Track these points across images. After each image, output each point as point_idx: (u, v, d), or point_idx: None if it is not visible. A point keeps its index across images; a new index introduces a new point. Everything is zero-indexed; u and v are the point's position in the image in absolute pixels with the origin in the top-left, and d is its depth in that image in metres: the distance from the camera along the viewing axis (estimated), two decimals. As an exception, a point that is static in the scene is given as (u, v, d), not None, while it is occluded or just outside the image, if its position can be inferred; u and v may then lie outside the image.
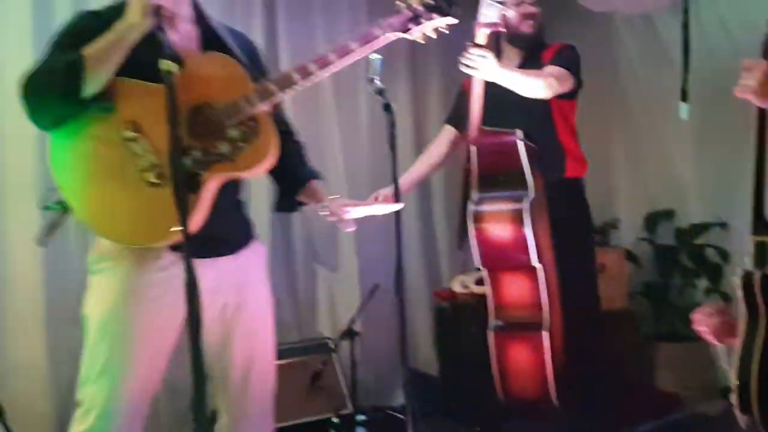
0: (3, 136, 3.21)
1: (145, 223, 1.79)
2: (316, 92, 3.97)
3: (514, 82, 2.76)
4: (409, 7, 1.89)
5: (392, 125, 2.65)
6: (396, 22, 1.88)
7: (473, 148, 2.87)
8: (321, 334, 3.96)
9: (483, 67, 2.67)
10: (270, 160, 1.85)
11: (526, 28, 3.05)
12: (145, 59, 1.65)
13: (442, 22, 1.90)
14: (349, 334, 3.55)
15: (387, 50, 4.08)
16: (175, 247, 1.81)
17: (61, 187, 1.84)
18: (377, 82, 2.34)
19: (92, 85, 1.73)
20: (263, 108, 1.82)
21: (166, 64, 1.52)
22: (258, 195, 3.80)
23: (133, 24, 1.71)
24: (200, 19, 1.97)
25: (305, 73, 1.83)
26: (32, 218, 3.17)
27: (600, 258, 3.44)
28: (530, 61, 3.05)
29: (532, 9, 3.06)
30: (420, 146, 4.32)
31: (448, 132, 3.32)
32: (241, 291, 1.96)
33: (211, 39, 1.95)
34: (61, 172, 1.83)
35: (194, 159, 1.78)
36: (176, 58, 1.60)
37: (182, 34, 1.90)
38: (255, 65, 2.02)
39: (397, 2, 1.90)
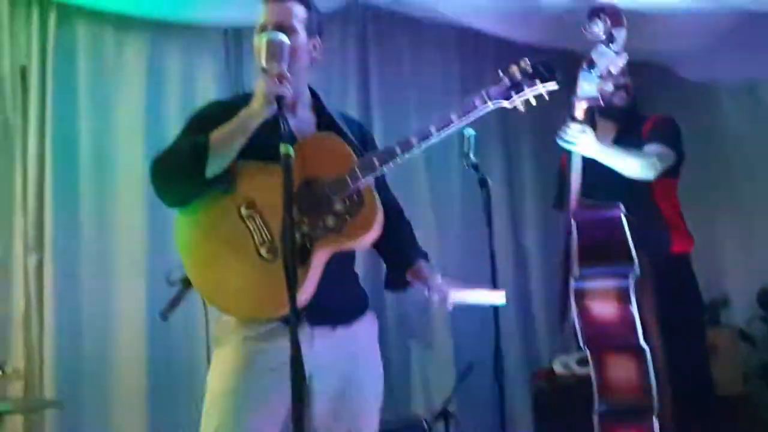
0: (114, 221, 3.44)
1: (259, 295, 1.86)
2: (408, 167, 3.99)
3: (613, 160, 2.69)
4: (511, 75, 1.92)
5: (488, 200, 2.63)
6: (497, 92, 1.92)
7: (573, 222, 2.78)
8: (415, 414, 3.85)
9: (582, 143, 2.61)
10: (375, 231, 1.89)
11: (619, 100, 2.99)
12: (264, 141, 1.77)
13: (544, 89, 1.93)
14: (444, 415, 3.43)
15: (478, 122, 4.10)
16: (287, 320, 1.82)
17: (183, 263, 1.93)
18: (472, 157, 2.33)
19: (215, 166, 1.84)
20: (367, 181, 1.88)
21: (284, 148, 1.59)
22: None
23: (256, 112, 1.82)
24: (318, 106, 2.09)
25: (407, 146, 1.89)
26: (139, 299, 3.35)
27: (710, 338, 3.23)
28: (627, 135, 2.98)
29: (623, 80, 2.99)
30: (515, 220, 4.25)
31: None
32: (352, 362, 1.96)
33: (327, 125, 2.04)
34: (183, 247, 1.93)
35: (302, 233, 1.85)
36: (293, 141, 1.68)
37: (300, 120, 2.01)
38: (367, 149, 2.09)
39: (499, 72, 1.94)
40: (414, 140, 1.89)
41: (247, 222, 1.88)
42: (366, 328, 2.04)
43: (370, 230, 1.87)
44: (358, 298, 2.09)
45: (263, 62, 1.78)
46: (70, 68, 3.44)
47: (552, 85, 1.93)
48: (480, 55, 4.32)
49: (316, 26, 2.03)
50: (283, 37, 1.82)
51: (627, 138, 2.94)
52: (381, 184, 2.09)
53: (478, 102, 1.90)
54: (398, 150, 1.88)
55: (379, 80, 4.03)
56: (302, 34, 1.97)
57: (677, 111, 3.11)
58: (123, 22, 3.51)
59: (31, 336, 3.23)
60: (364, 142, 2.11)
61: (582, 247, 2.74)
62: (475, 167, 2.35)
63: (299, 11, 1.98)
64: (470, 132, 2.40)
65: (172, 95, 3.62)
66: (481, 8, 3.63)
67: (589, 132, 2.60)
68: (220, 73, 3.73)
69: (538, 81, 1.91)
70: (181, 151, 1.88)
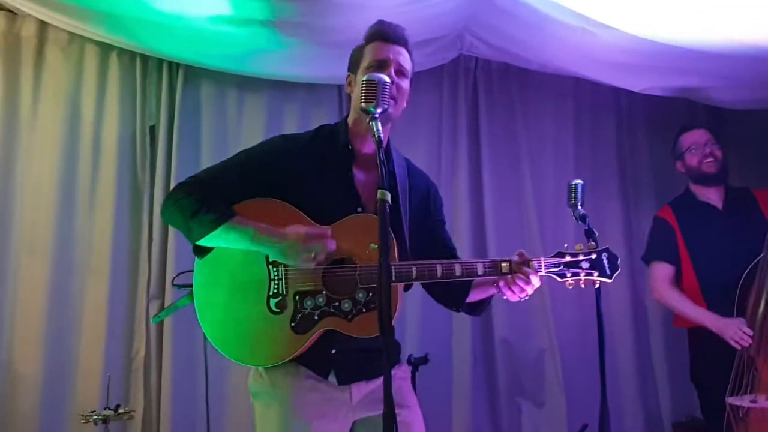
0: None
1: (255, 345, 1.86)
2: (521, 218, 3.92)
3: None
4: (573, 254, 2.02)
5: (596, 251, 2.51)
6: (555, 264, 2.00)
7: None
8: (527, 475, 3.70)
9: None
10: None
11: (708, 168, 3.23)
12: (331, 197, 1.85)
13: (598, 281, 2.02)
14: (557, 477, 3.27)
15: (598, 174, 3.95)
16: (317, 368, 1.89)
17: (195, 281, 1.93)
18: (579, 208, 2.25)
19: (211, 242, 1.86)
20: (397, 284, 1.85)
21: (381, 194, 1.57)
22: (461, 326, 3.75)
23: (283, 250, 1.82)
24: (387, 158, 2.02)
25: (449, 273, 1.90)
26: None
27: None
28: (736, 203, 3.14)
29: (708, 149, 3.24)
30: (633, 276, 4.05)
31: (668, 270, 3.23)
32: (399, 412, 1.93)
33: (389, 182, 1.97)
34: (201, 266, 1.92)
35: (316, 303, 1.85)
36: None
37: (366, 173, 1.98)
38: (424, 207, 2.09)
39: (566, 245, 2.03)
40: (458, 270, 1.89)
41: (271, 269, 1.87)
42: (401, 378, 2.01)
43: (375, 333, 1.65)
44: (395, 349, 2.05)
45: (363, 104, 1.69)
46: (195, 126, 3.63)
47: (606, 281, 2.01)
48: (596, 104, 4.21)
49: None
50: (387, 77, 1.72)
51: (738, 208, 3.14)
52: (440, 225, 2.11)
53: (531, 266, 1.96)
54: (439, 272, 1.87)
55: (490, 131, 4.00)
56: (408, 80, 1.96)
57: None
58: (244, 81, 3.69)
59: (150, 380, 3.39)
60: (426, 199, 2.09)
61: None
62: (583, 218, 2.25)
63: (408, 57, 1.97)
64: (577, 181, 2.31)
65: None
66: (598, 59, 3.55)
67: None
68: (334, 128, 3.82)
69: (595, 272, 2.00)
70: (201, 209, 1.84)
